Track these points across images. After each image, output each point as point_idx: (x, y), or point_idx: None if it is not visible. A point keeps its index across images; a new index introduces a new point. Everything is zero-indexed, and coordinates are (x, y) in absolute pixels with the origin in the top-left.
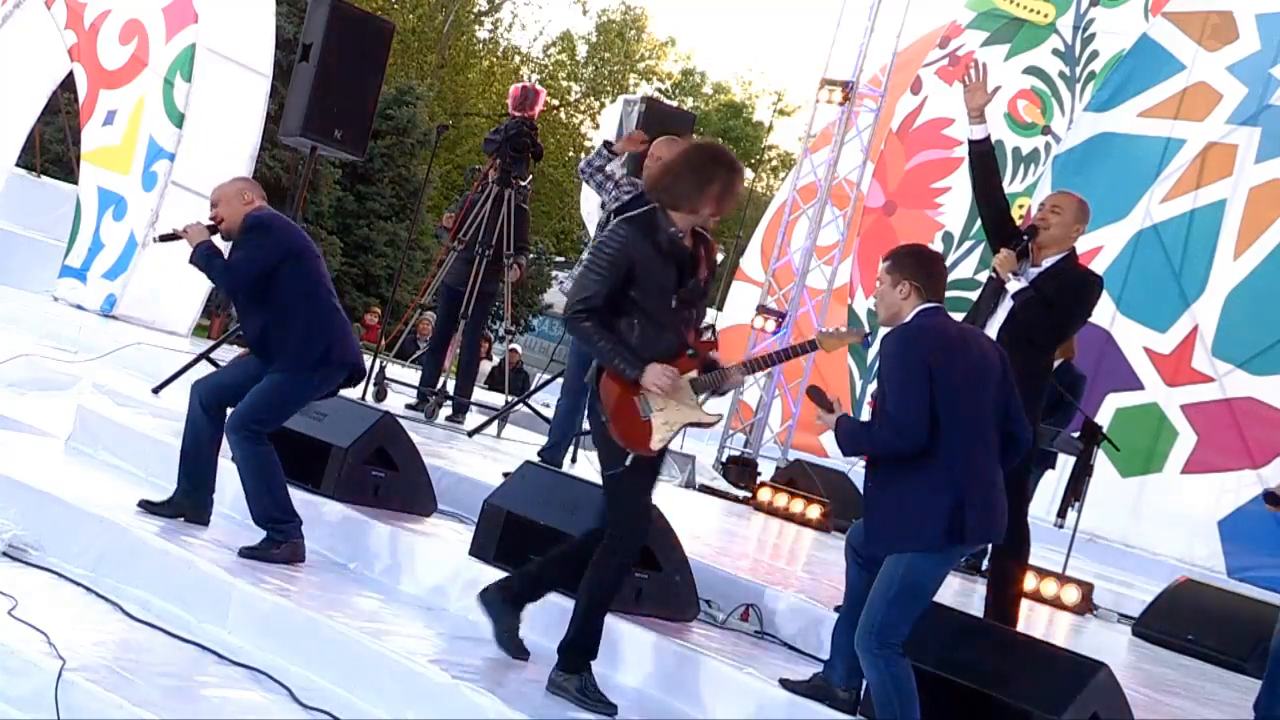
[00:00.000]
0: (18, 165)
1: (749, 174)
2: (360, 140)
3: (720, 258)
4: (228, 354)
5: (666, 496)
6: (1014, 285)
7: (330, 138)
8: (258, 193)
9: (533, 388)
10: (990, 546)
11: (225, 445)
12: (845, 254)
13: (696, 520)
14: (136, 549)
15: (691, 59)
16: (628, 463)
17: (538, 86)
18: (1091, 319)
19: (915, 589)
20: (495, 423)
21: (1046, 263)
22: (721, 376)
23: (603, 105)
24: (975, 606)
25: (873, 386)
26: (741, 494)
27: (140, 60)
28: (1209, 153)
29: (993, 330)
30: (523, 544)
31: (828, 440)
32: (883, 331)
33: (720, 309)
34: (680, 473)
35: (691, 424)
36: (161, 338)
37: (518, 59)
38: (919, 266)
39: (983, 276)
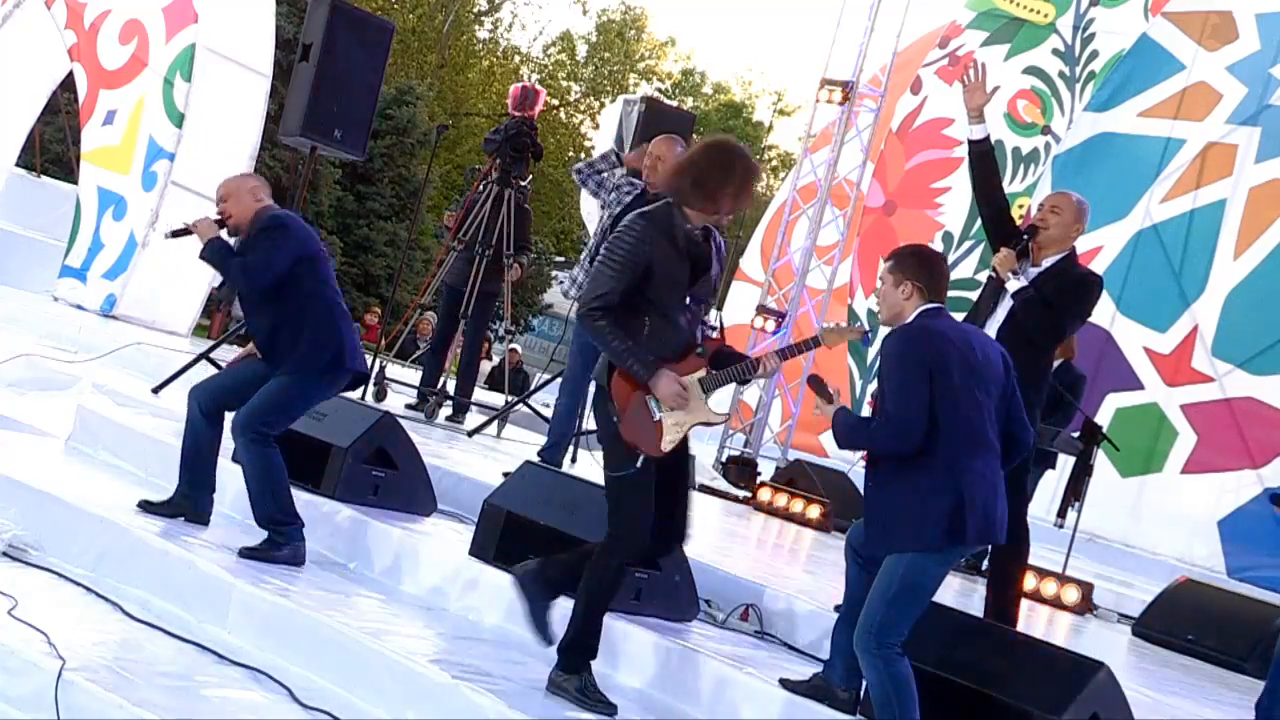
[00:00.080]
0: (18, 165)
1: None
2: (360, 140)
3: None
4: (228, 354)
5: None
6: (1014, 285)
7: (330, 138)
8: (267, 190)
9: (533, 388)
10: (990, 546)
11: (225, 445)
12: (845, 254)
13: (696, 520)
14: (136, 549)
15: (691, 59)
16: (638, 464)
17: (538, 86)
18: (1091, 319)
19: (914, 589)
20: (495, 423)
21: (1046, 262)
22: (742, 370)
23: (603, 105)
24: (975, 606)
25: (873, 386)
26: (741, 494)
27: (140, 60)
28: (1209, 153)
29: (993, 330)
30: (523, 544)
31: (828, 440)
32: (883, 331)
33: (720, 309)
34: None
35: (700, 423)
36: (161, 338)
37: (518, 59)
38: (921, 267)
39: (983, 276)
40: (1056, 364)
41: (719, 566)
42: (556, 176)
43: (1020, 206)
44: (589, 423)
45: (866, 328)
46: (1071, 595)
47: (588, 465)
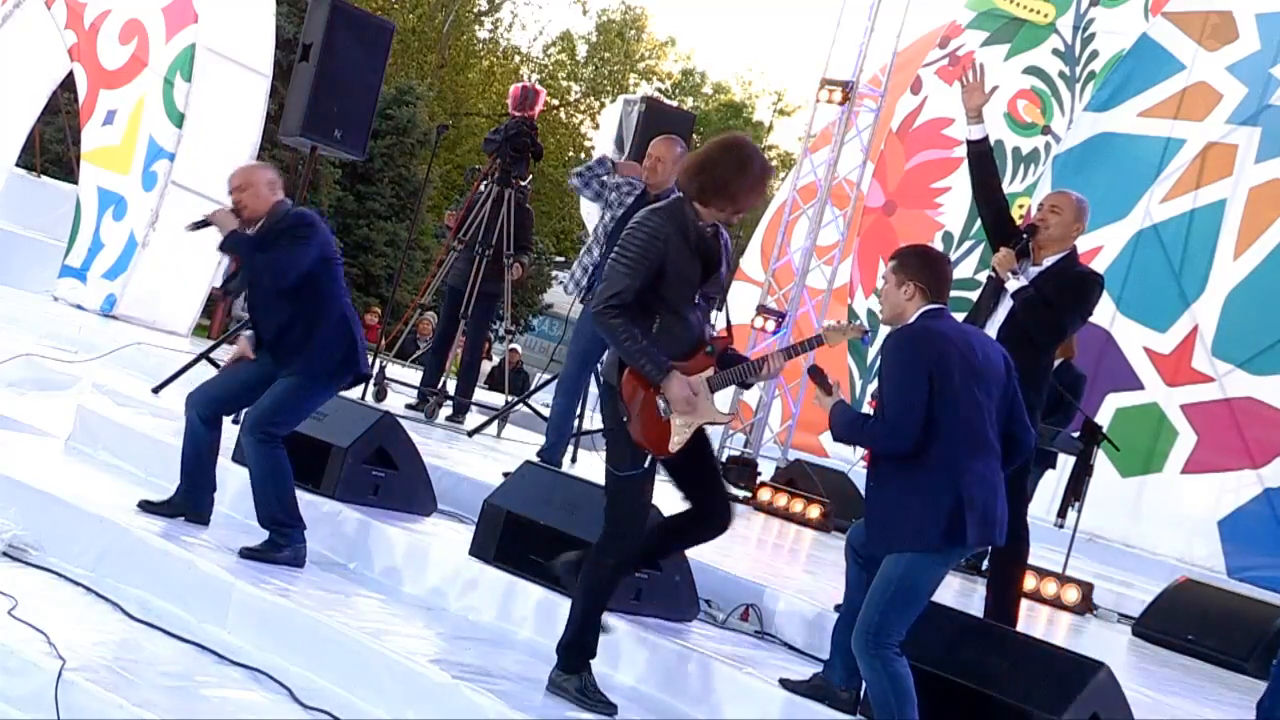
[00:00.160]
0: (18, 165)
1: None
2: (360, 140)
3: None
4: (228, 353)
5: (666, 497)
6: (1014, 284)
7: (330, 138)
8: (281, 184)
9: (533, 388)
10: (990, 547)
11: (225, 445)
12: (845, 254)
13: None
14: (136, 549)
15: (691, 59)
16: (646, 464)
17: (538, 86)
18: (1092, 319)
19: (913, 589)
20: (495, 423)
21: (1047, 262)
22: (747, 370)
23: (603, 105)
24: (975, 606)
25: (873, 386)
26: (741, 494)
27: (140, 60)
28: (1209, 153)
29: (993, 329)
30: (523, 544)
31: (828, 440)
32: (884, 330)
33: (720, 309)
34: None
35: (707, 423)
36: (161, 338)
37: (518, 59)
38: (924, 267)
39: (983, 276)
40: (1056, 364)
41: (719, 566)
42: (556, 176)
43: (1020, 206)
44: (588, 423)
45: (866, 327)
46: (1071, 595)
47: (588, 465)
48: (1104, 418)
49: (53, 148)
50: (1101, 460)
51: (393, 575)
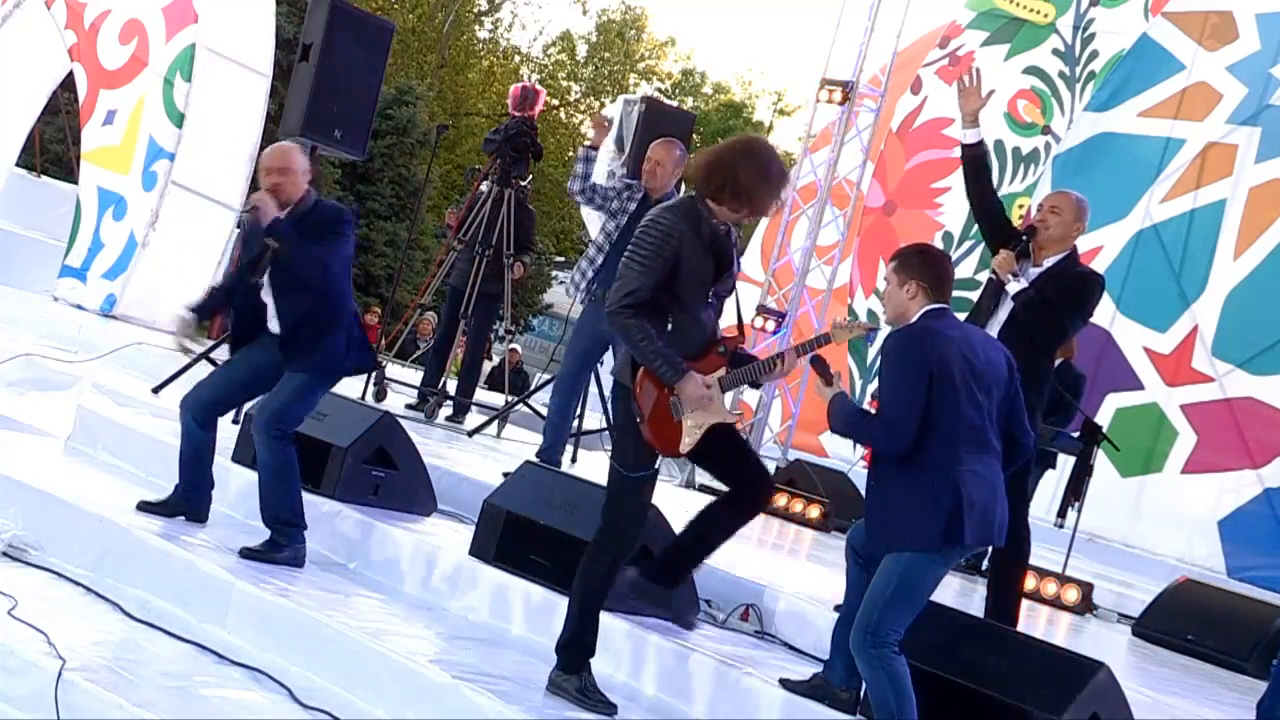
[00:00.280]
0: (18, 165)
1: None
2: (360, 140)
3: None
4: (228, 354)
5: (666, 496)
6: (1014, 287)
7: (330, 137)
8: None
9: (533, 388)
10: (990, 547)
11: (225, 445)
12: (845, 254)
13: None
14: (136, 549)
15: (691, 59)
16: (657, 466)
17: (538, 86)
18: (1091, 319)
19: (912, 589)
20: (495, 423)
21: (1048, 262)
22: (759, 370)
23: (602, 105)
24: (975, 606)
25: (873, 386)
26: None
27: (140, 60)
28: (1209, 153)
29: (993, 331)
30: (523, 544)
31: (828, 440)
32: (884, 330)
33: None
34: (680, 472)
35: (717, 423)
36: (161, 338)
37: (518, 59)
38: (927, 266)
39: (983, 276)
40: (1056, 364)
41: (719, 566)
42: (556, 176)
43: (1020, 206)
44: (588, 423)
45: (872, 325)
46: (1071, 595)
47: (588, 465)
48: (1104, 418)
49: (53, 148)
50: (1101, 460)
51: (392, 575)
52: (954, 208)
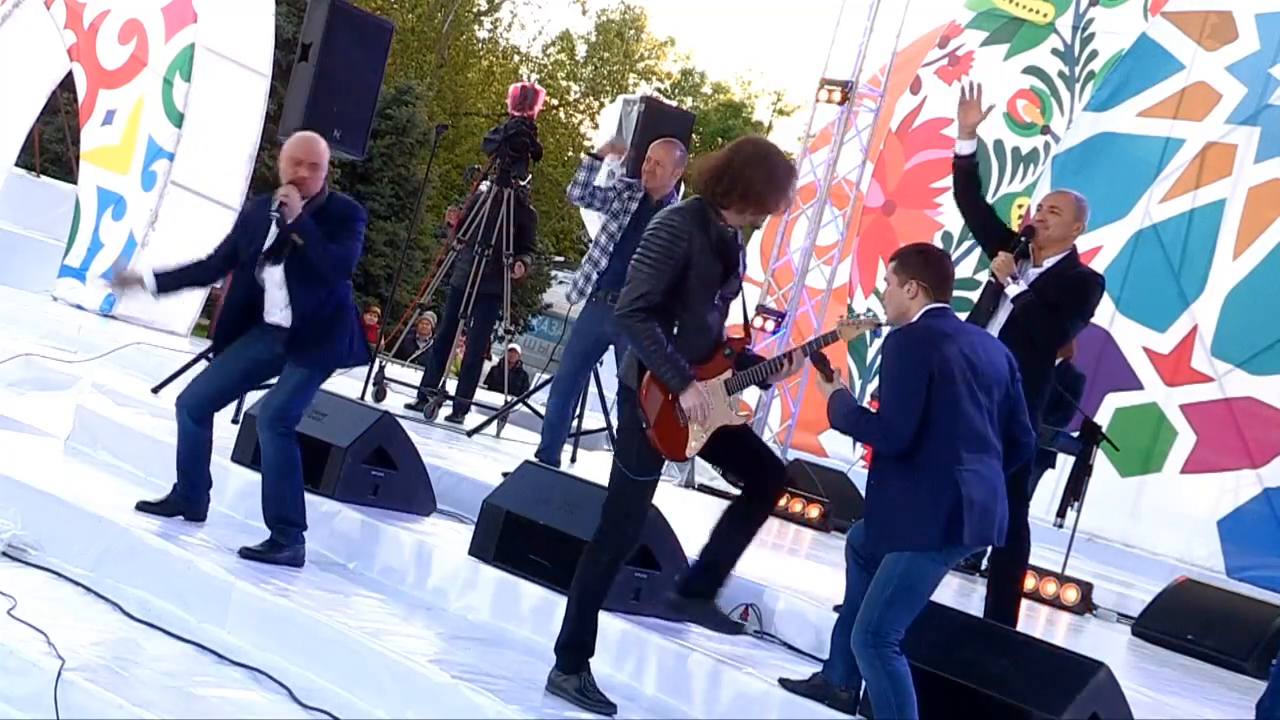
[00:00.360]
0: (17, 165)
1: None
2: (360, 140)
3: None
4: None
5: (666, 496)
6: (1013, 289)
7: (330, 137)
8: None
9: (532, 388)
10: (990, 546)
11: (225, 445)
12: (845, 254)
13: (696, 520)
14: (136, 549)
15: (691, 59)
16: (660, 470)
17: (537, 86)
18: (1092, 319)
19: (912, 589)
20: (495, 423)
21: (1048, 262)
22: (767, 370)
23: (602, 105)
24: (975, 606)
25: (873, 386)
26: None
27: (139, 60)
28: (1208, 152)
29: (993, 333)
30: (522, 544)
31: (828, 440)
32: (885, 329)
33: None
34: (680, 472)
35: (723, 426)
36: (161, 337)
37: (517, 59)
38: (927, 266)
39: (982, 276)
40: (1056, 364)
41: None
42: (556, 176)
43: (1019, 206)
44: (586, 423)
45: (879, 320)
46: (1071, 595)
47: (588, 465)
48: (1103, 418)
49: (52, 147)
50: (1101, 460)
51: (392, 575)
52: (953, 208)
